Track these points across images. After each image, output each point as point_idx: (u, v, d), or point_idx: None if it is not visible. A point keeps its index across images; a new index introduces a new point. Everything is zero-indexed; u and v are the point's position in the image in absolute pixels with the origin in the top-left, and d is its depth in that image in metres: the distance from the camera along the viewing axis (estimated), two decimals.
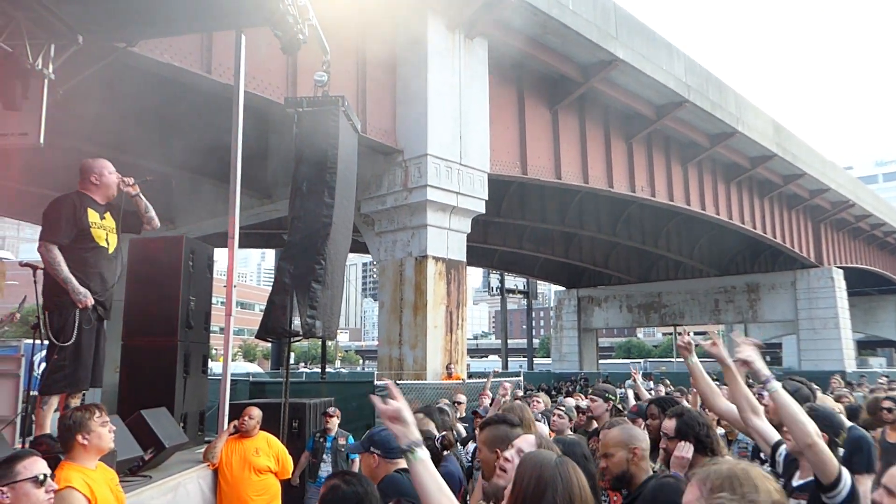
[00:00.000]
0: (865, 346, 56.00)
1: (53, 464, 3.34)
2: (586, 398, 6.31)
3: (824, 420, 3.24)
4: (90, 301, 4.21)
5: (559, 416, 5.47)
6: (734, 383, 3.37)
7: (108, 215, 4.69)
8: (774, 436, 3.30)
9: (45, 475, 2.61)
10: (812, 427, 2.72)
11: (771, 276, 32.77)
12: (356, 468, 6.95)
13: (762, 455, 3.47)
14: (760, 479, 1.59)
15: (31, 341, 5.78)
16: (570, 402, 8.14)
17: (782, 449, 3.22)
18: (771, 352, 51.84)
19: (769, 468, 3.26)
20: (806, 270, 31.20)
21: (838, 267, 31.75)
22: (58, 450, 3.90)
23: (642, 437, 3.06)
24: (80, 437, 3.28)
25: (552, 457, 2.11)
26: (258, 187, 16.01)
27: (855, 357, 34.17)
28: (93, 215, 4.53)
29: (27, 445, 4.13)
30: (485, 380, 11.67)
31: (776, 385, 2.86)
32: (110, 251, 4.65)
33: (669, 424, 3.36)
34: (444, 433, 4.09)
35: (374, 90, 13.48)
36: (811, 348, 31.06)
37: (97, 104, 11.42)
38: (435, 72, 13.57)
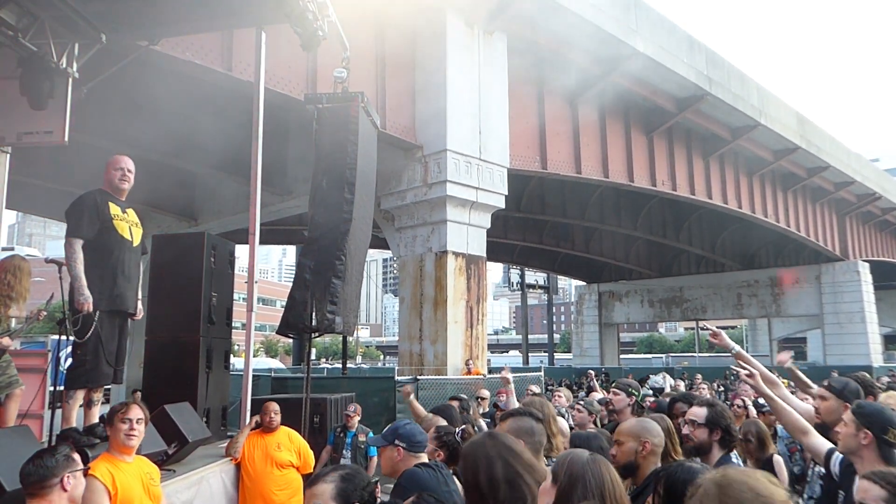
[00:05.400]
0: (893, 341, 55.04)
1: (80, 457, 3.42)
2: (608, 393, 6.29)
3: (870, 417, 2.94)
4: (90, 306, 4.26)
5: (579, 409, 5.45)
6: (779, 410, 3.42)
7: (130, 210, 4.77)
8: (825, 445, 3.20)
9: (69, 475, 2.71)
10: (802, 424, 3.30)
11: (795, 270, 32.35)
12: (374, 465, 6.99)
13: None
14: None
15: (57, 337, 5.87)
16: (595, 395, 8.13)
17: (835, 458, 3.11)
18: (795, 346, 51.21)
19: (819, 479, 3.36)
20: (831, 264, 30.77)
21: (864, 260, 31.24)
22: (84, 443, 3.98)
23: (656, 432, 3.03)
24: (109, 430, 3.52)
25: (584, 454, 2.12)
26: (278, 184, 16.10)
27: (882, 352, 33.62)
28: (114, 209, 4.61)
29: (54, 440, 4.20)
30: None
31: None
32: (134, 244, 4.73)
33: (700, 412, 3.24)
34: (463, 426, 4.09)
35: (394, 86, 13.49)
36: (837, 343, 30.61)
37: (120, 102, 11.56)
38: (454, 67, 13.53)
